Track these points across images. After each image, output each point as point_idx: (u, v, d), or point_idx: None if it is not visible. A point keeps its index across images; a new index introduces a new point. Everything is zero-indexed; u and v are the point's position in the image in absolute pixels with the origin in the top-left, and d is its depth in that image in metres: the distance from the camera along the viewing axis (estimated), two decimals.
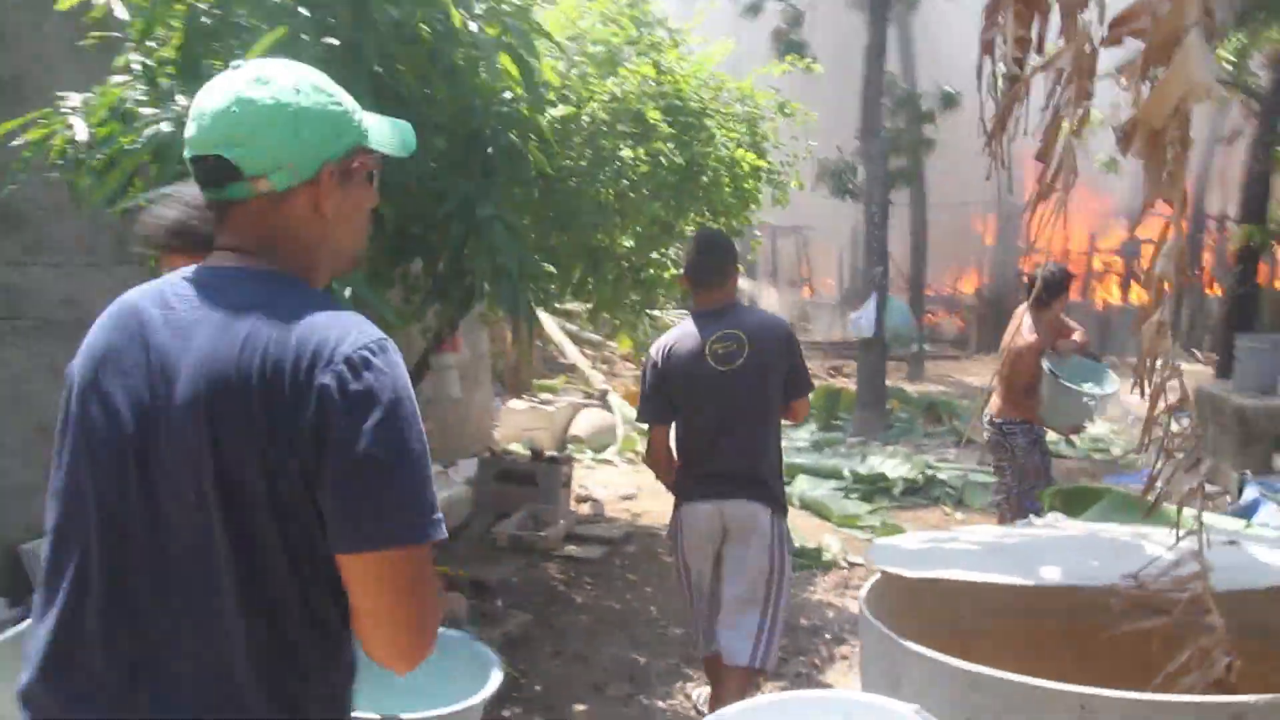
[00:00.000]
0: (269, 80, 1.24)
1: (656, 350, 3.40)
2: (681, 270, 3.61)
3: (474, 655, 2.12)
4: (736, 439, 3.26)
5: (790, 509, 5.70)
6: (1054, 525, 3.53)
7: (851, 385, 11.28)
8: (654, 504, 7.16)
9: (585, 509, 6.93)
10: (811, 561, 5.84)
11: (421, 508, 1.19)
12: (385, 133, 1.34)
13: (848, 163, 11.77)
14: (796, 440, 9.67)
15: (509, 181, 3.78)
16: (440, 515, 1.21)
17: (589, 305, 6.08)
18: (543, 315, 8.61)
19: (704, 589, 3.35)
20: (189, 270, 1.28)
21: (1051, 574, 2.64)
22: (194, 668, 1.18)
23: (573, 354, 11.17)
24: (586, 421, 9.23)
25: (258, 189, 1.23)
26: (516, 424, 8.82)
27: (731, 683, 3.17)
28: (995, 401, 5.38)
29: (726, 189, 5.55)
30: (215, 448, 1.16)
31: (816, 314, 18.87)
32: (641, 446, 9.30)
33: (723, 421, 3.26)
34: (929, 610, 2.81)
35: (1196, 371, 14.88)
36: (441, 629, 1.30)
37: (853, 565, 5.80)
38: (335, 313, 1.22)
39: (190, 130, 1.25)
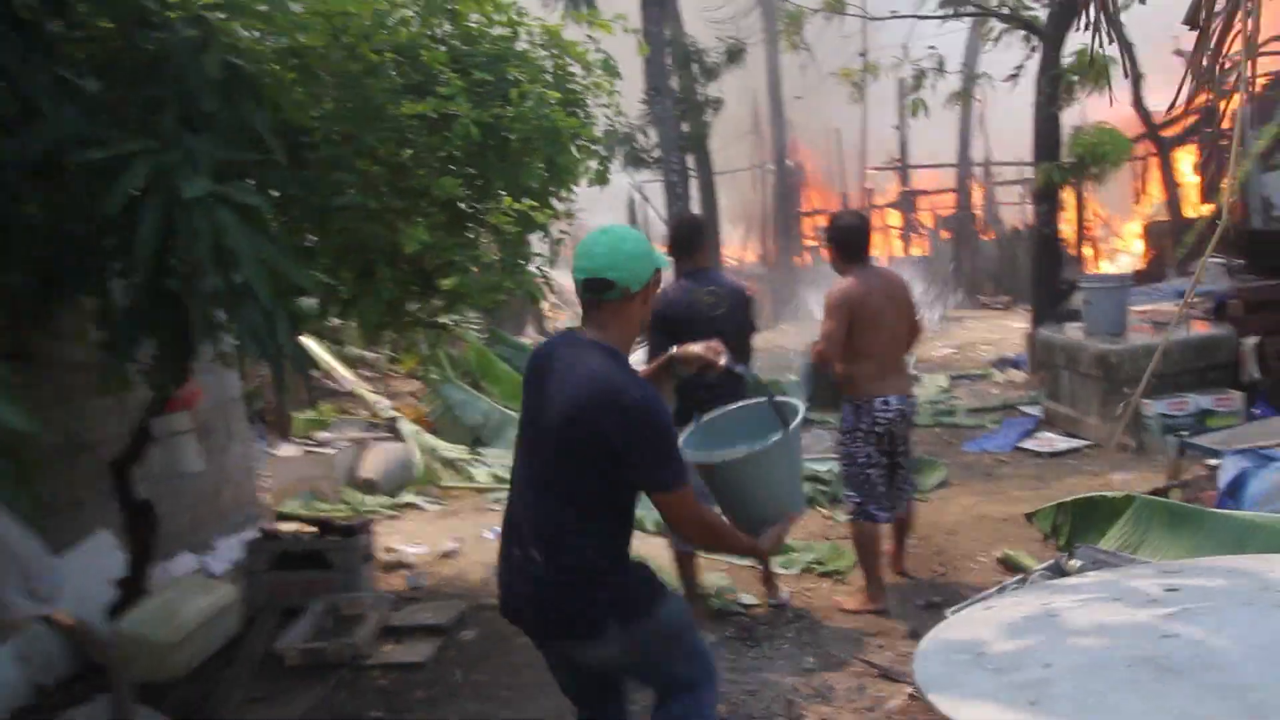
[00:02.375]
0: (626, 237, 2.30)
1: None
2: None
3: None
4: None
5: (642, 534, 4.55)
6: (1118, 570, 2.50)
7: None
8: (481, 559, 5.71)
9: (399, 581, 5.40)
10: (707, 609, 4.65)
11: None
12: (660, 258, 2.36)
13: (637, 126, 10.64)
14: None
15: (231, 140, 2.27)
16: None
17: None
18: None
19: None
20: (571, 335, 2.38)
21: None
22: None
23: (347, 377, 9.42)
24: (377, 459, 7.60)
25: (624, 295, 2.27)
26: (290, 475, 7.08)
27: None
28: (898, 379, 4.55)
29: (539, 165, 4.20)
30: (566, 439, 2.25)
31: None
32: (449, 480, 7.87)
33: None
34: None
35: (996, 317, 15.06)
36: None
37: (750, 607, 4.67)
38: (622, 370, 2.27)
39: (581, 263, 2.27)
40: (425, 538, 6.19)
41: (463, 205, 4.28)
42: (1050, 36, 10.04)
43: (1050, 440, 7.17)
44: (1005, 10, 10.40)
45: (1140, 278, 12.92)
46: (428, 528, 6.50)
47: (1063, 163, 9.76)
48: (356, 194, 3.35)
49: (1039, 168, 9.78)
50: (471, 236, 4.42)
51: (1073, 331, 7.54)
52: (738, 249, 17.51)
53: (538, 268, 4.51)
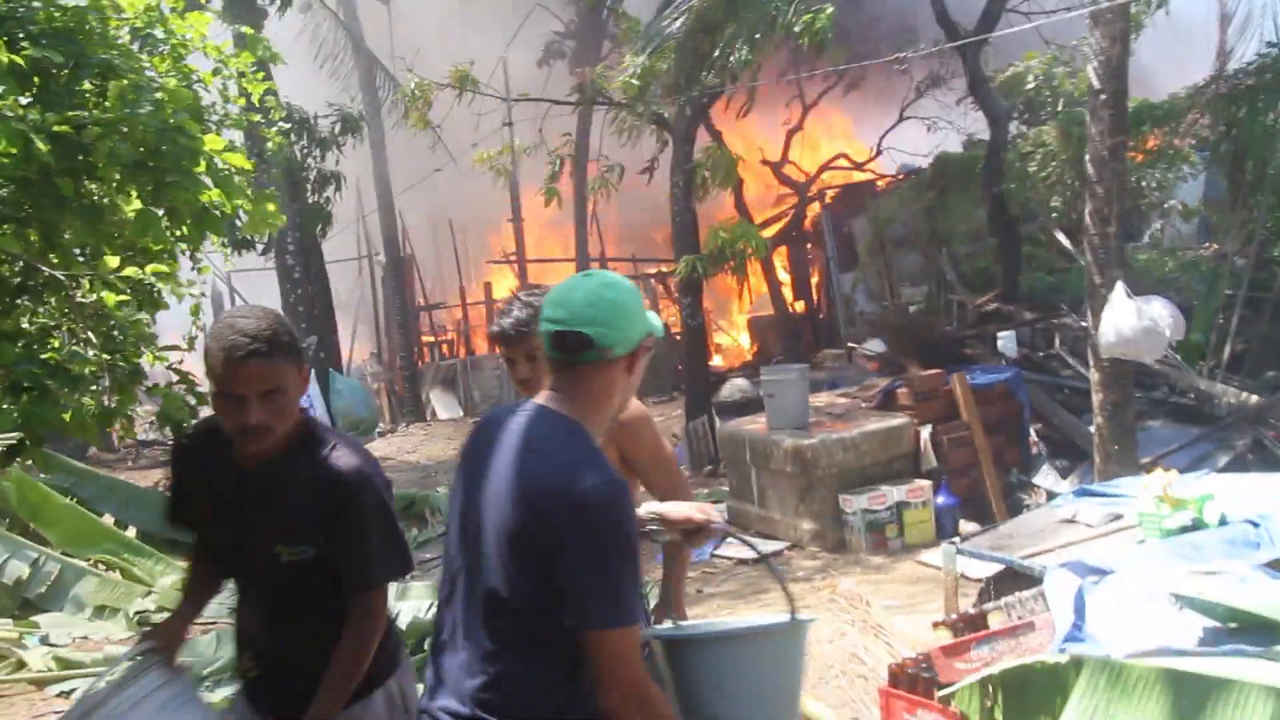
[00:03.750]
0: (616, 285, 1.81)
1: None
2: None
3: None
4: None
5: None
6: None
7: None
8: None
9: None
10: None
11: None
12: (655, 321, 1.90)
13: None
14: None
15: None
16: None
17: None
18: None
19: None
20: (530, 404, 1.81)
21: None
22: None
23: None
24: None
25: (604, 356, 1.75)
26: None
27: None
28: None
29: (140, 196, 2.77)
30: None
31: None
32: None
33: None
34: None
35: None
36: None
37: None
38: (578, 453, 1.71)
39: (554, 313, 1.77)
40: None
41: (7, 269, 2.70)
42: (682, 133, 10.11)
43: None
44: (639, 106, 10.32)
45: (749, 369, 13.50)
46: None
47: (703, 255, 9.74)
48: None
49: (683, 260, 9.65)
50: (31, 319, 2.82)
51: (753, 424, 7.20)
52: (345, 347, 15.86)
53: (172, 368, 3.02)
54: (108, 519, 7.58)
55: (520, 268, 15.91)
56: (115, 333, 2.75)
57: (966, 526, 6.33)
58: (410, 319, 15.23)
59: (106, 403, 2.58)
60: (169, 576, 6.91)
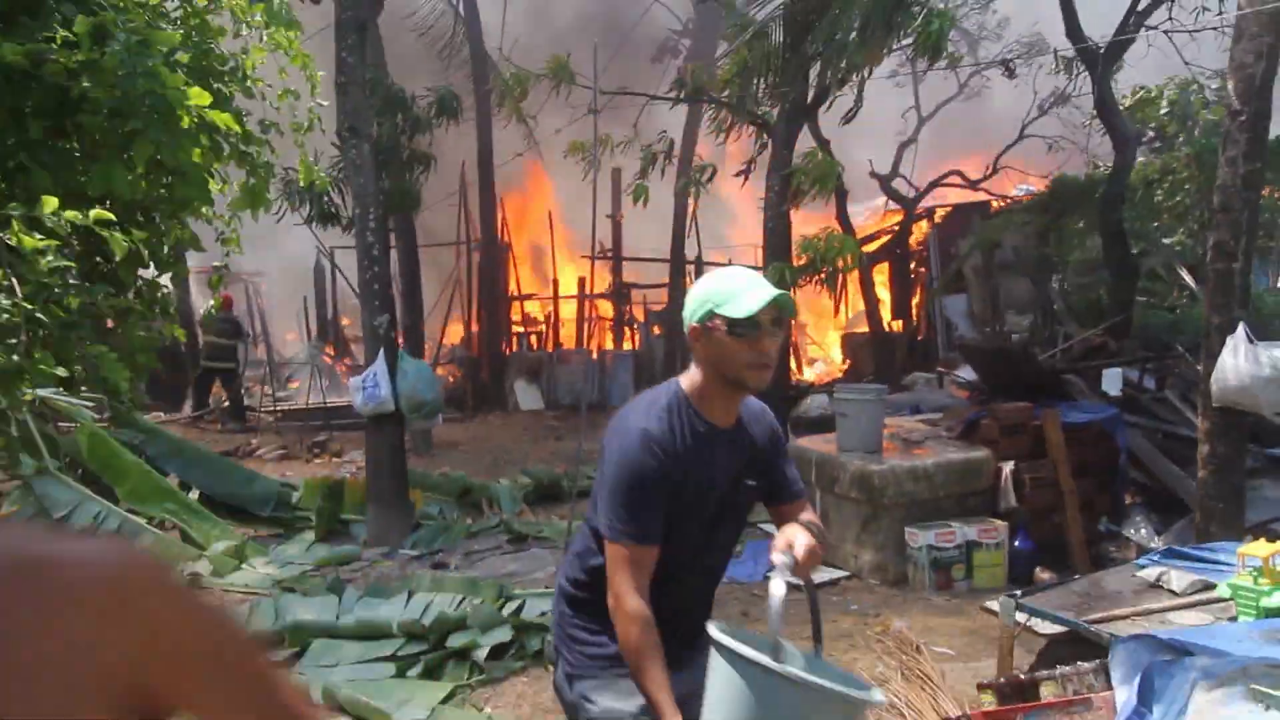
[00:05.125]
0: (707, 275, 2.20)
1: None
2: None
3: None
4: None
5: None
6: None
7: (358, 474, 8.46)
8: None
9: None
10: None
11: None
12: (740, 302, 1.99)
13: (330, 176, 8.94)
14: (293, 561, 6.64)
15: None
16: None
17: None
18: None
19: None
20: None
21: None
22: None
23: None
24: None
25: (685, 328, 2.11)
26: None
27: None
28: None
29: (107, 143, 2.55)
30: None
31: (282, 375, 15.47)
32: None
33: None
34: None
35: None
36: None
37: None
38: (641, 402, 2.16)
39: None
40: None
41: None
42: (782, 135, 9.74)
43: None
44: (734, 103, 9.99)
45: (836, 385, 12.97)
46: None
47: (794, 264, 9.35)
48: None
49: (771, 266, 9.28)
50: None
51: (823, 444, 6.80)
52: (437, 330, 15.96)
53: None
54: (172, 479, 7.67)
55: (615, 264, 15.72)
56: (48, 282, 2.54)
57: (1043, 575, 5.82)
58: (500, 307, 15.21)
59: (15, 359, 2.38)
60: (223, 542, 6.93)
